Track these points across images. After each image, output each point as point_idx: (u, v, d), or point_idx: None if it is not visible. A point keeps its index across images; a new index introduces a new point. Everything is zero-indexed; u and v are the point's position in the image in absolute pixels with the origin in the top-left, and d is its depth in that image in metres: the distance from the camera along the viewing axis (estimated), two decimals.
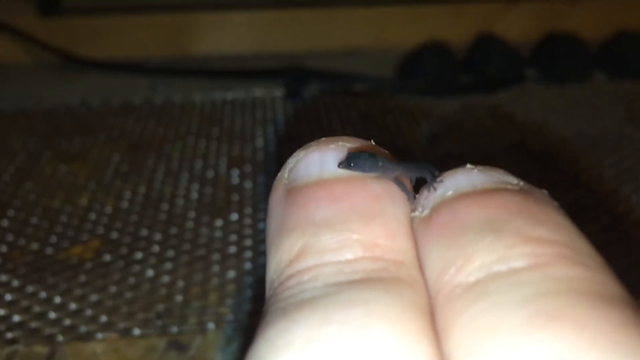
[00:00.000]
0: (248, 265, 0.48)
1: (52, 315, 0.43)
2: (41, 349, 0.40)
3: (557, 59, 0.82)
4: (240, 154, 0.65)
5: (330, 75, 0.80)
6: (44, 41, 0.85)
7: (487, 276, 0.14)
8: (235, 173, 0.61)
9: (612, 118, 0.72)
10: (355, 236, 0.16)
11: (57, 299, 0.45)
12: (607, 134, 0.68)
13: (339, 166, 0.18)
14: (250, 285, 0.46)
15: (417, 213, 0.17)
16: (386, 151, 0.20)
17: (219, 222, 0.53)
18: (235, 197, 0.57)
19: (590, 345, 0.12)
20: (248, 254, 0.49)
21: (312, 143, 0.19)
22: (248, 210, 0.55)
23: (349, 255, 0.16)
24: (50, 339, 0.41)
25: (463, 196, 0.16)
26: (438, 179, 0.18)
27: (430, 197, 0.17)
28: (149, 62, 0.87)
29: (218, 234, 0.52)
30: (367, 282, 0.15)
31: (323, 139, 0.19)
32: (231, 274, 0.47)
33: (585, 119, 0.72)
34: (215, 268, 0.48)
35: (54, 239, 0.51)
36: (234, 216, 0.54)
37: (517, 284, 0.13)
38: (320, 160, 0.18)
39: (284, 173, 0.19)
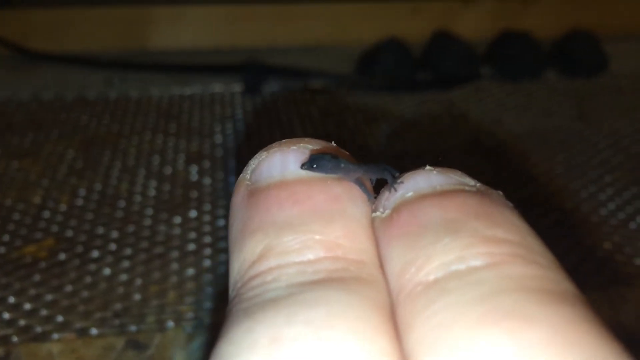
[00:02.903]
0: (207, 263, 0.48)
1: (6, 315, 0.42)
2: None
3: (511, 57, 0.84)
4: (199, 150, 0.64)
5: (288, 71, 0.80)
6: None
7: (446, 275, 0.14)
8: (193, 169, 0.60)
9: (563, 116, 0.74)
10: (317, 237, 0.16)
11: (11, 299, 0.44)
12: (558, 131, 0.71)
13: (301, 167, 0.18)
14: (210, 282, 0.46)
15: (378, 213, 0.17)
16: (347, 153, 0.20)
17: (177, 220, 0.53)
18: (194, 194, 0.56)
19: (541, 341, 0.12)
20: (207, 251, 0.49)
21: (274, 144, 0.19)
22: (207, 207, 0.54)
23: (310, 256, 0.16)
24: (5, 340, 0.40)
25: (422, 197, 0.17)
26: (398, 180, 0.18)
27: (391, 198, 0.18)
28: (104, 55, 0.86)
29: (176, 231, 0.51)
30: (329, 282, 0.15)
31: (285, 140, 0.19)
32: (190, 271, 0.47)
33: (537, 116, 0.74)
34: (174, 266, 0.47)
35: (6, 237, 0.50)
36: (193, 213, 0.53)
37: (474, 282, 0.14)
38: (281, 162, 0.19)
39: (246, 174, 0.19)
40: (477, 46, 0.85)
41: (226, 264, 0.47)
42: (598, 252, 0.49)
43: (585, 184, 0.59)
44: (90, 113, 0.72)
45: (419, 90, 0.79)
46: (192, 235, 0.51)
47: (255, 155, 0.19)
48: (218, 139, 0.67)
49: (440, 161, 0.21)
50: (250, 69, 0.78)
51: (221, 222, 0.52)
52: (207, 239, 0.50)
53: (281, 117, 0.72)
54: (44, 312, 0.43)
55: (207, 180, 0.59)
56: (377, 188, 0.19)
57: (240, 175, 0.19)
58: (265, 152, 0.19)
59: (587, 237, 0.51)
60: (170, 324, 0.42)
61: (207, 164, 0.62)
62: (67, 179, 0.59)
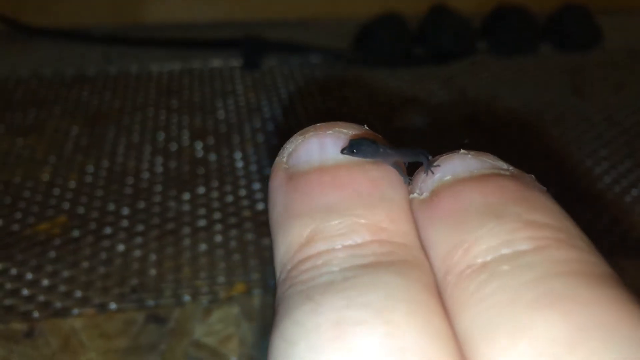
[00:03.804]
0: (218, 239, 0.49)
1: (25, 292, 0.43)
2: (19, 326, 0.40)
3: (506, 31, 0.85)
4: (202, 126, 0.65)
5: (287, 47, 0.80)
6: None
7: (495, 258, 0.15)
8: (198, 145, 0.61)
9: (558, 90, 0.76)
10: (362, 221, 0.17)
11: (29, 276, 0.45)
12: (553, 105, 0.72)
13: (342, 152, 0.19)
14: (222, 257, 0.47)
15: (415, 195, 0.19)
16: (381, 137, 0.21)
17: (186, 196, 0.54)
18: (201, 170, 0.57)
19: (595, 322, 0.14)
20: (218, 227, 0.50)
21: (309, 128, 0.20)
22: (215, 184, 0.55)
23: (358, 240, 0.17)
24: (26, 316, 0.41)
25: (462, 181, 0.18)
26: (435, 164, 0.19)
27: (428, 181, 0.19)
28: (99, 30, 0.85)
29: (186, 207, 0.52)
30: (380, 265, 0.16)
31: (319, 124, 0.20)
32: (203, 247, 0.48)
33: (533, 91, 0.76)
34: (187, 242, 0.48)
35: (18, 215, 0.51)
36: (201, 190, 0.54)
37: (524, 265, 0.15)
38: (319, 146, 0.19)
39: (282, 157, 0.20)
40: (472, 20, 0.85)
41: (237, 240, 0.49)
42: (596, 225, 0.51)
43: (581, 159, 0.61)
44: (91, 89, 0.72)
45: (415, 65, 0.80)
46: (202, 211, 0.52)
47: (291, 139, 0.20)
48: (221, 114, 0.67)
49: (466, 144, 0.22)
50: (249, 44, 0.79)
51: (230, 199, 0.53)
52: (217, 215, 0.51)
53: (281, 92, 0.73)
54: (62, 288, 0.44)
55: (212, 157, 0.59)
56: (410, 170, 0.20)
57: (277, 159, 0.20)
58: (301, 136, 0.20)
59: (585, 211, 0.53)
60: (187, 298, 0.43)
61: (211, 140, 0.62)
62: (74, 156, 0.59)
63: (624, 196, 0.55)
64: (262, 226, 0.50)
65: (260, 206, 0.52)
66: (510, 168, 0.19)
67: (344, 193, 0.18)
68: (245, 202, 0.53)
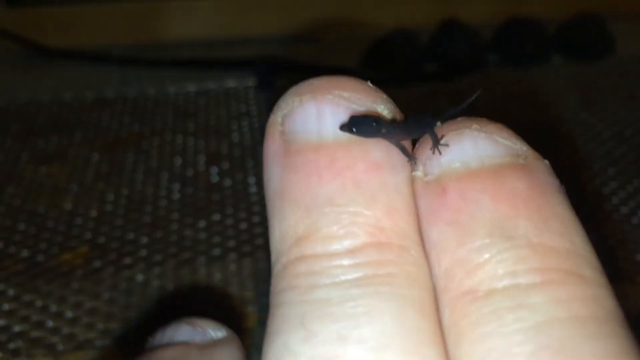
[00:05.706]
0: (233, 267, 0.51)
1: (50, 323, 0.46)
2: None
3: (517, 43, 0.85)
4: (217, 150, 0.67)
5: (301, 66, 0.81)
6: (9, 31, 0.85)
7: (499, 290, 0.16)
8: (214, 171, 0.63)
9: (568, 105, 0.76)
10: (359, 219, 0.17)
11: (53, 307, 0.47)
12: (563, 121, 0.72)
13: (340, 128, 0.18)
14: (237, 286, 0.49)
15: (419, 174, 0.18)
16: (389, 100, 0.19)
17: (202, 224, 0.56)
18: (216, 197, 0.59)
19: None
20: (232, 255, 0.52)
21: (305, 87, 0.19)
22: (229, 210, 0.57)
23: (355, 242, 0.17)
24: (51, 349, 0.43)
25: (472, 175, 0.17)
26: (442, 141, 0.18)
27: (434, 161, 0.18)
28: (117, 49, 0.87)
29: (202, 235, 0.54)
30: (376, 283, 0.16)
31: (316, 81, 0.19)
32: (218, 276, 0.50)
33: (543, 106, 0.76)
34: (202, 271, 0.50)
35: (43, 245, 0.53)
36: (216, 217, 0.56)
37: (526, 307, 0.15)
38: (317, 115, 0.18)
39: (277, 118, 0.19)
40: (483, 32, 0.86)
41: (250, 268, 0.50)
42: (602, 248, 0.52)
43: (590, 178, 0.61)
44: (110, 113, 0.74)
45: (427, 81, 0.81)
46: (217, 239, 0.54)
47: (286, 98, 0.19)
48: (235, 137, 0.69)
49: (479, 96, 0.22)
50: (263, 64, 0.80)
51: (243, 226, 0.55)
52: (232, 243, 0.53)
53: None
54: (85, 319, 0.46)
55: (227, 182, 0.61)
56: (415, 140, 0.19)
57: (271, 117, 0.19)
58: (297, 98, 0.18)
59: (590, 233, 0.53)
60: None
61: (226, 164, 0.64)
62: (95, 184, 0.61)
63: (631, 218, 0.55)
64: None
65: None
66: (524, 149, 0.18)
67: (341, 181, 0.17)
68: (258, 230, 0.55)
